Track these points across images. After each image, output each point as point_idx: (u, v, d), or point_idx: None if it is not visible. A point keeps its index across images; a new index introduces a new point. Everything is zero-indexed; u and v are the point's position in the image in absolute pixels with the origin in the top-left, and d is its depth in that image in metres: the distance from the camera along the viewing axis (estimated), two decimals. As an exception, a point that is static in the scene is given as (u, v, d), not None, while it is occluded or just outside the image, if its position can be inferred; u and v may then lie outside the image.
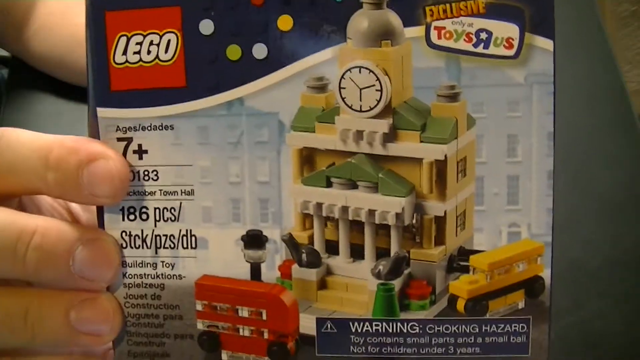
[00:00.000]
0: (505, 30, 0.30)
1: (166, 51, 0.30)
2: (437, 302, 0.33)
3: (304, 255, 0.32)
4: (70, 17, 0.81)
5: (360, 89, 0.31)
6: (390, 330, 0.32)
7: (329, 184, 0.33)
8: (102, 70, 0.31)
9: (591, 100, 0.81)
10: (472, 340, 0.33)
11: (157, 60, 0.30)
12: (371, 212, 0.33)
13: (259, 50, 0.30)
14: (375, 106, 0.32)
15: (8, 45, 0.85)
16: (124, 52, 0.30)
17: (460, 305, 0.33)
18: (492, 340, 0.33)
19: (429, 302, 0.33)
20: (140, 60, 0.30)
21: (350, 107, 0.32)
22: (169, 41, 0.30)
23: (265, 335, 0.32)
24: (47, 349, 0.33)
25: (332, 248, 0.34)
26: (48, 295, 0.31)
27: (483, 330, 0.33)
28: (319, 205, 0.33)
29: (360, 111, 0.32)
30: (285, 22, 0.29)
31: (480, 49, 0.30)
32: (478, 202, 0.33)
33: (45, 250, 0.30)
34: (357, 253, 0.34)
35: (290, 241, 0.32)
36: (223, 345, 0.32)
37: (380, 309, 0.32)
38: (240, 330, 0.31)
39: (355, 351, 0.32)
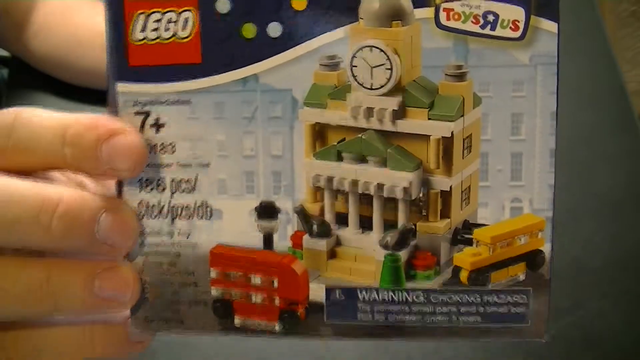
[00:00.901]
0: (511, 12, 0.31)
1: (184, 28, 0.30)
2: (442, 273, 0.34)
3: (314, 226, 0.33)
4: (70, 16, 0.82)
5: (372, 67, 0.32)
6: (396, 299, 0.33)
7: (339, 159, 0.34)
8: (121, 46, 0.31)
9: (591, 100, 0.82)
10: (474, 310, 0.34)
11: (174, 37, 0.30)
12: (380, 186, 0.34)
13: (274, 29, 0.31)
14: (386, 84, 0.32)
15: (8, 46, 0.85)
16: (143, 30, 0.30)
17: (464, 276, 0.34)
18: (493, 310, 0.34)
19: (433, 272, 0.34)
20: (159, 37, 0.30)
21: (361, 85, 0.32)
22: (186, 19, 0.30)
23: (277, 303, 0.33)
24: (68, 318, 0.34)
25: (341, 220, 0.35)
26: (70, 264, 0.32)
27: (484, 300, 0.34)
28: (330, 179, 0.34)
29: (371, 89, 0.32)
30: (299, 2, 0.30)
31: (487, 31, 0.31)
32: (482, 177, 0.34)
33: (71, 217, 0.31)
34: (365, 225, 0.35)
35: (301, 212, 0.32)
36: (236, 311, 0.33)
37: (387, 278, 0.33)
38: (253, 298, 0.32)
39: (362, 318, 0.33)
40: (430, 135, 0.33)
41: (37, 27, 0.81)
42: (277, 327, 0.33)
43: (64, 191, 0.31)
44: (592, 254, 0.73)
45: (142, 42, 0.31)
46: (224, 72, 0.31)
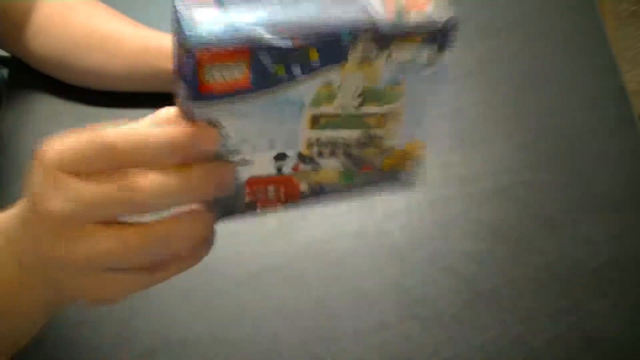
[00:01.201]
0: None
1: (240, 73, 0.43)
2: None
3: (306, 159, 0.49)
4: (69, 17, 0.82)
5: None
6: None
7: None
8: (195, 81, 0.42)
9: (591, 100, 0.82)
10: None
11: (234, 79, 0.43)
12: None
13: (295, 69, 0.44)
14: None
15: (8, 46, 0.85)
16: (210, 75, 0.42)
17: None
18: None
19: None
20: (223, 78, 0.43)
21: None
22: (241, 66, 0.43)
23: (282, 197, 0.50)
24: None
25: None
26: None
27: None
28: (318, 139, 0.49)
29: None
30: (313, 52, 0.44)
31: None
32: None
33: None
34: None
35: (299, 154, 0.49)
36: (258, 205, 0.50)
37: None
38: (269, 193, 0.50)
39: None
40: None
41: (37, 28, 0.82)
42: (281, 209, 0.51)
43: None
44: (592, 254, 0.73)
45: (210, 82, 0.42)
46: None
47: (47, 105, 0.81)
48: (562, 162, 0.78)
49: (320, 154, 0.51)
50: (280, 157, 0.49)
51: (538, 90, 0.83)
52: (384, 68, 0.46)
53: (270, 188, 0.50)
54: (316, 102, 0.47)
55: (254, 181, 0.49)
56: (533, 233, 0.74)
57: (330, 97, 0.47)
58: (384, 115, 0.50)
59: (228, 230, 0.73)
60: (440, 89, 0.49)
